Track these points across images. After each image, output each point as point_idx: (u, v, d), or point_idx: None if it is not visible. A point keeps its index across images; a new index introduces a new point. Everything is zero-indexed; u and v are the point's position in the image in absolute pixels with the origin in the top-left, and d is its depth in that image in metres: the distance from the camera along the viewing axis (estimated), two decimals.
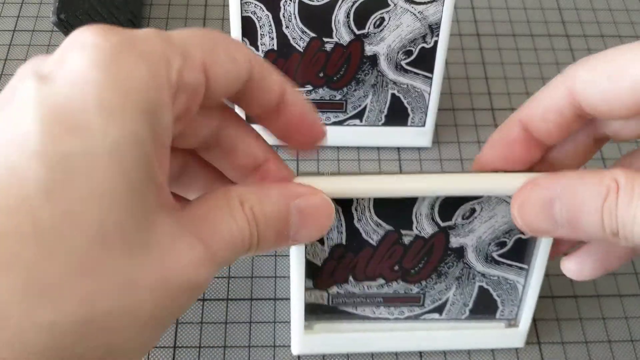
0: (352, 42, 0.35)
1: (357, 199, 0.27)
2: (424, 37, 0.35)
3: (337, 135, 0.39)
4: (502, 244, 0.29)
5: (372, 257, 0.30)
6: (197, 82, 0.19)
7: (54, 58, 0.18)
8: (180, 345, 0.33)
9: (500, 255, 0.30)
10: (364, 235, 0.29)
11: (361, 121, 0.38)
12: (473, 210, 0.28)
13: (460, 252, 0.30)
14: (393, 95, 0.37)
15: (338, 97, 0.37)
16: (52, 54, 0.18)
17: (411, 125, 0.39)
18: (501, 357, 0.33)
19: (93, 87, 0.17)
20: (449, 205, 0.28)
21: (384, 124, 0.39)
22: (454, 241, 0.29)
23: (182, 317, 0.34)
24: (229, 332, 0.34)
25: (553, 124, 0.25)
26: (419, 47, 0.35)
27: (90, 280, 0.16)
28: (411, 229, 0.29)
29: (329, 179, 0.25)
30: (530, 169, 0.27)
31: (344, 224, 0.28)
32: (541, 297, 0.35)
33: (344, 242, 0.29)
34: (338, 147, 0.40)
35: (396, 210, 0.28)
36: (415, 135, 0.39)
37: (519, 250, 0.30)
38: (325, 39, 0.35)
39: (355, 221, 0.28)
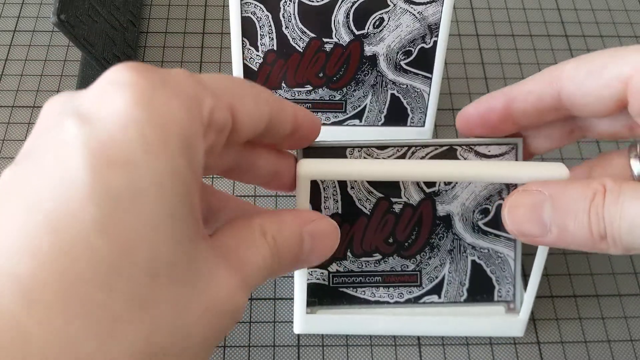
0: (352, 42, 0.35)
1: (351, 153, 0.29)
2: (423, 37, 0.35)
3: (337, 135, 0.39)
4: (485, 211, 0.30)
5: (367, 228, 0.31)
6: (226, 121, 0.20)
7: (91, 97, 0.18)
8: None
9: (485, 224, 0.31)
10: (357, 203, 0.30)
11: (361, 121, 0.39)
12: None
13: (447, 221, 0.31)
14: (392, 95, 0.37)
15: (338, 97, 0.37)
16: (83, 92, 0.19)
17: (411, 125, 0.39)
18: (500, 354, 0.34)
19: (135, 125, 0.17)
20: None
21: (384, 124, 0.39)
22: (441, 209, 0.30)
23: None
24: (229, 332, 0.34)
25: (531, 106, 0.26)
26: (419, 47, 0.35)
27: (149, 313, 0.17)
28: (400, 197, 0.30)
29: (331, 162, 0.27)
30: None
31: (339, 192, 0.30)
32: (541, 296, 0.35)
33: (339, 211, 0.30)
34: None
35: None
36: (414, 135, 0.39)
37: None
38: (325, 39, 0.35)
39: (348, 189, 0.30)
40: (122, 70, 0.18)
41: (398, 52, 0.36)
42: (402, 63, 0.36)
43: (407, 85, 0.37)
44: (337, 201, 0.30)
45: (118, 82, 0.18)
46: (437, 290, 0.32)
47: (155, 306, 0.17)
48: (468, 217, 0.31)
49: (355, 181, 0.29)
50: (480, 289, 0.32)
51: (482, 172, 0.27)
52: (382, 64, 0.36)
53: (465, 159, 0.28)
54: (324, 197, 0.30)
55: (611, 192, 0.22)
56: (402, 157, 0.28)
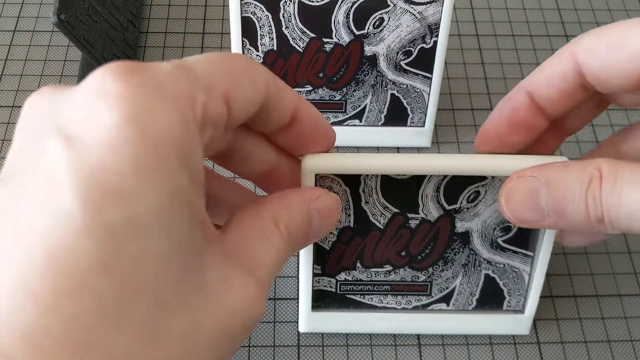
0: (352, 42, 0.35)
1: (364, 181, 0.28)
2: (423, 37, 0.35)
3: (337, 135, 0.39)
4: (506, 229, 0.30)
5: (380, 241, 0.30)
6: (221, 112, 0.19)
7: (76, 110, 0.17)
8: None
9: (505, 241, 0.30)
10: (371, 217, 0.29)
11: (361, 121, 0.39)
12: (477, 193, 0.28)
13: (466, 237, 0.30)
14: (392, 95, 0.37)
15: (338, 97, 0.37)
16: (67, 96, 0.17)
17: (411, 125, 0.39)
18: (500, 354, 0.34)
19: (126, 146, 0.16)
20: (454, 187, 0.28)
21: (384, 124, 0.39)
22: (460, 225, 0.30)
23: None
24: None
25: (556, 90, 0.25)
26: (419, 47, 0.35)
27: (156, 346, 0.16)
28: (417, 212, 0.29)
29: (340, 156, 0.26)
30: (535, 139, 0.27)
31: (352, 206, 0.29)
32: (541, 297, 0.35)
33: (352, 224, 0.29)
34: (338, 147, 0.40)
35: (403, 192, 0.28)
36: (414, 135, 0.39)
37: (523, 236, 0.30)
38: (325, 39, 0.35)
39: (362, 203, 0.29)
40: (108, 76, 0.17)
41: (398, 52, 0.36)
42: (402, 63, 0.36)
43: (407, 85, 0.37)
44: (349, 215, 0.29)
45: (105, 94, 0.16)
46: (446, 299, 0.32)
47: (166, 336, 0.17)
48: (488, 233, 0.30)
49: (371, 196, 0.28)
50: (491, 300, 0.32)
51: (490, 166, 0.27)
52: (382, 64, 0.36)
53: (493, 178, 0.28)
54: None
55: (608, 178, 0.22)
56: (424, 176, 0.28)
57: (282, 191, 0.24)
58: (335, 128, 0.38)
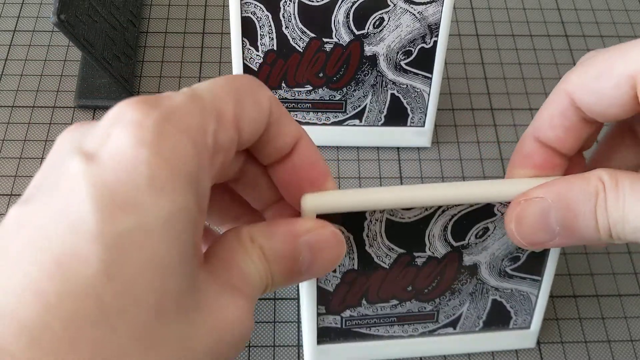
0: (352, 42, 0.35)
1: (368, 226, 0.27)
2: (423, 37, 0.35)
3: (337, 135, 0.39)
4: (515, 259, 0.29)
5: (385, 280, 0.29)
6: (232, 139, 0.20)
7: (97, 135, 0.18)
8: None
9: (514, 270, 0.30)
10: (375, 259, 0.28)
11: (361, 121, 0.39)
12: (486, 229, 0.28)
13: (473, 269, 0.29)
14: (392, 95, 0.37)
15: (338, 97, 0.37)
16: (91, 128, 0.19)
17: (411, 125, 0.39)
18: (500, 354, 0.34)
19: (142, 165, 0.17)
20: (463, 225, 0.27)
21: (384, 124, 0.39)
22: (467, 259, 0.29)
23: None
24: None
25: (561, 129, 0.25)
26: (419, 47, 0.35)
27: (153, 352, 0.17)
28: (424, 251, 0.28)
29: (342, 193, 0.25)
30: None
31: (355, 251, 0.28)
32: None
33: (355, 267, 0.28)
34: (338, 147, 0.40)
35: (408, 233, 0.27)
36: (414, 135, 0.39)
37: (532, 263, 0.29)
38: (325, 39, 0.35)
39: (366, 247, 0.28)
40: (126, 108, 0.18)
41: (398, 52, 0.36)
42: (402, 63, 0.36)
43: (407, 85, 0.37)
44: (353, 259, 0.28)
45: (123, 121, 0.18)
46: (453, 324, 0.32)
47: (162, 344, 0.17)
48: (496, 264, 0.29)
49: (375, 240, 0.27)
50: (497, 320, 0.32)
51: (490, 191, 0.26)
52: (382, 64, 0.36)
53: (502, 214, 0.27)
54: None
55: (610, 190, 0.22)
56: (431, 216, 0.27)
57: (271, 220, 0.24)
58: (335, 128, 0.39)
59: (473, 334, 0.32)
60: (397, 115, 0.38)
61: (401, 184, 0.39)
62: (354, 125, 0.39)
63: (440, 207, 0.26)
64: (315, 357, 0.32)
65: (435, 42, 0.35)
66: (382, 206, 0.26)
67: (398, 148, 0.40)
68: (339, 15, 0.34)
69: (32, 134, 0.40)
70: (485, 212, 0.27)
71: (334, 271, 0.28)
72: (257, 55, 0.36)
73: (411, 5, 0.34)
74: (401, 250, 0.28)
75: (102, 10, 0.40)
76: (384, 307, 0.30)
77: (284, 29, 0.35)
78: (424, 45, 0.35)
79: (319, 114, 0.38)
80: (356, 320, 0.31)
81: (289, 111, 0.37)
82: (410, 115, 0.38)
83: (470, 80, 0.44)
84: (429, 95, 0.37)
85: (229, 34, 0.35)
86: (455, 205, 0.26)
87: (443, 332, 0.32)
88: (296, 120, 0.37)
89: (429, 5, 0.34)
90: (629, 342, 0.34)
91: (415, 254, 0.28)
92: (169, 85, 0.43)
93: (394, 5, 0.34)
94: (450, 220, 0.27)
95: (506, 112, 0.42)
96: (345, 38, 0.35)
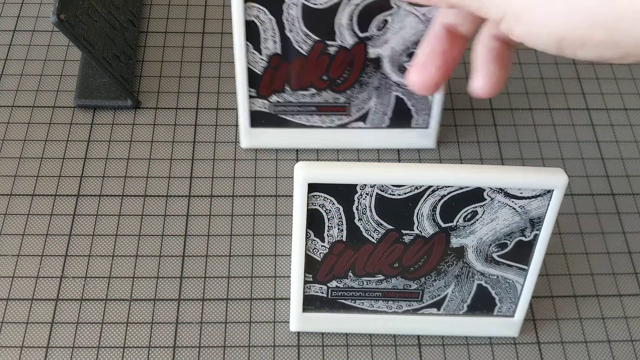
0: (356, 44, 0.35)
1: (358, 200, 0.28)
2: None
3: (341, 138, 0.39)
4: (502, 246, 0.30)
5: (372, 254, 0.30)
6: None
7: None
8: (180, 345, 0.33)
9: (500, 256, 0.30)
10: (364, 233, 0.29)
11: (365, 123, 0.39)
12: (475, 213, 0.28)
13: (460, 252, 0.30)
14: (397, 97, 0.37)
15: (342, 99, 0.37)
16: None
17: (415, 127, 0.39)
18: (500, 354, 0.34)
19: None
20: (452, 207, 0.28)
21: (388, 126, 0.39)
22: (455, 241, 0.30)
23: (182, 317, 0.34)
24: (228, 332, 0.34)
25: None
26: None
27: None
28: (412, 229, 0.29)
29: (333, 164, 0.27)
30: None
31: (344, 222, 0.29)
32: (541, 297, 0.35)
33: (344, 239, 0.29)
34: (338, 150, 0.40)
35: (397, 210, 0.28)
36: (419, 137, 0.39)
37: (519, 252, 0.30)
38: (329, 42, 0.35)
39: (356, 220, 0.29)
40: None
41: (402, 54, 0.36)
42: (405, 65, 0.36)
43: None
44: (342, 230, 0.29)
45: None
46: (437, 305, 0.32)
47: None
48: (483, 249, 0.30)
49: (364, 213, 0.28)
50: (481, 306, 0.32)
51: (476, 177, 0.27)
52: (386, 66, 0.36)
53: (492, 199, 0.28)
54: (328, 226, 0.29)
55: None
56: (421, 195, 0.28)
57: None
58: (340, 131, 0.39)
59: (457, 317, 0.33)
60: (401, 117, 0.38)
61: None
62: (359, 127, 0.39)
63: (430, 186, 0.27)
64: (300, 323, 0.33)
65: None
66: (373, 181, 0.27)
67: (398, 150, 0.40)
68: (342, 18, 0.34)
69: (32, 134, 0.40)
70: (474, 195, 0.28)
71: (323, 241, 0.30)
72: (260, 59, 0.36)
73: (414, 7, 0.34)
74: (389, 227, 0.29)
75: (102, 10, 0.40)
76: (370, 281, 0.31)
77: (287, 32, 0.35)
78: None
79: (323, 117, 0.38)
80: (342, 291, 0.32)
81: (294, 114, 0.37)
82: (415, 117, 0.38)
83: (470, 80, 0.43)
84: (433, 95, 0.37)
85: (229, 33, 0.35)
86: (445, 186, 0.27)
87: (427, 312, 0.33)
88: (301, 124, 0.37)
89: (432, 7, 0.33)
90: (629, 342, 0.34)
91: (404, 232, 0.29)
92: (169, 85, 0.43)
93: (398, 7, 0.34)
94: (439, 200, 0.28)
95: (506, 112, 0.42)
96: (349, 41, 0.35)
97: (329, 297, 0.32)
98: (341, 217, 0.29)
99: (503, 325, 0.33)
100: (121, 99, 0.41)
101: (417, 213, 0.28)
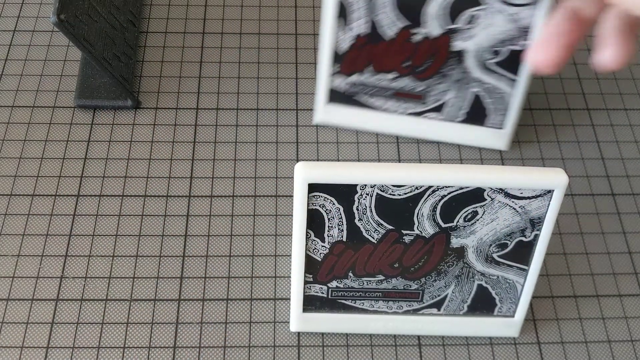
0: (442, 35, 0.36)
1: (358, 200, 0.28)
2: (515, 38, 0.35)
3: (415, 126, 0.40)
4: (503, 246, 0.30)
5: (372, 255, 0.30)
6: None
7: None
8: (180, 346, 0.33)
9: (500, 257, 0.30)
10: (364, 233, 0.29)
11: (440, 115, 0.39)
12: (475, 213, 0.28)
13: (460, 252, 0.30)
14: (475, 93, 0.38)
15: (419, 88, 0.38)
16: None
17: (489, 126, 0.39)
18: (500, 354, 0.34)
19: None
20: (452, 207, 0.28)
21: (463, 121, 0.39)
22: (455, 242, 0.30)
23: (182, 317, 0.34)
24: (229, 332, 0.34)
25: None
26: (509, 48, 0.36)
27: None
28: (412, 229, 0.29)
29: (334, 165, 0.27)
30: None
31: (345, 222, 0.29)
32: (541, 297, 0.35)
33: (344, 239, 0.29)
34: (418, 141, 0.41)
35: (398, 210, 0.28)
36: (492, 137, 0.39)
37: (520, 252, 0.30)
38: (415, 30, 0.36)
39: (356, 220, 0.29)
40: None
41: (487, 51, 0.36)
42: (490, 62, 0.36)
43: (491, 85, 0.37)
44: (342, 230, 0.29)
45: None
46: (437, 305, 0.32)
47: None
48: (483, 249, 0.30)
49: (365, 214, 0.28)
50: (482, 306, 0.32)
51: (477, 178, 0.27)
52: (469, 61, 0.36)
53: (492, 199, 0.28)
54: (329, 226, 0.29)
55: None
56: (421, 195, 0.28)
57: None
58: (414, 119, 0.39)
59: (457, 317, 0.33)
60: (476, 114, 0.38)
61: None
62: (433, 118, 0.39)
63: (430, 187, 0.27)
64: (300, 324, 0.33)
65: (525, 45, 0.35)
66: (373, 181, 0.27)
67: (480, 149, 0.40)
68: (431, 7, 0.35)
69: (32, 134, 0.40)
70: (475, 196, 0.28)
71: (323, 241, 0.30)
72: (347, 37, 0.36)
73: (506, 6, 0.34)
74: (390, 227, 0.29)
75: (102, 10, 0.40)
76: (370, 282, 0.31)
77: (377, 15, 0.35)
78: (514, 47, 0.35)
79: (399, 103, 0.39)
80: (342, 291, 0.32)
81: (370, 96, 0.38)
82: (490, 115, 0.38)
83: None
84: (512, 97, 0.37)
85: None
86: (446, 187, 0.27)
87: (427, 312, 0.33)
88: (375, 108, 0.39)
89: (524, 7, 0.34)
90: (629, 342, 0.34)
91: (404, 232, 0.29)
92: (169, 85, 0.43)
93: (488, 4, 0.34)
94: (439, 201, 0.28)
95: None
96: (436, 31, 0.35)
97: (329, 297, 0.32)
98: (341, 217, 0.29)
99: (503, 326, 0.33)
100: (121, 99, 0.41)
101: (418, 213, 0.28)
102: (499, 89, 0.37)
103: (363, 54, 0.37)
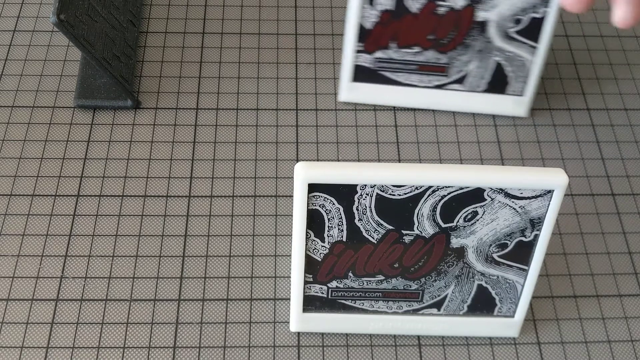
0: (465, 7, 0.36)
1: (358, 200, 0.28)
2: (536, 6, 0.36)
3: (437, 98, 0.40)
4: (503, 246, 0.30)
5: (372, 255, 0.30)
6: None
7: None
8: (180, 346, 0.33)
9: (500, 257, 0.30)
10: (364, 233, 0.29)
11: (462, 86, 0.39)
12: (475, 213, 0.28)
13: (460, 252, 0.30)
14: (496, 62, 0.38)
15: (443, 60, 0.38)
16: None
17: (510, 94, 0.40)
18: (500, 354, 0.34)
19: None
20: (452, 207, 0.28)
21: (485, 91, 0.40)
22: (455, 242, 0.30)
23: (182, 317, 0.34)
24: (229, 332, 0.34)
25: None
26: (530, 16, 0.36)
27: None
28: (412, 229, 0.29)
29: (334, 165, 0.27)
30: None
31: (344, 222, 0.29)
32: (541, 297, 0.35)
33: (344, 239, 0.29)
34: (434, 111, 0.41)
35: (398, 210, 0.28)
36: (513, 104, 0.40)
37: (520, 252, 0.30)
38: (440, 2, 0.36)
39: (356, 220, 0.29)
40: None
41: (509, 20, 0.37)
42: (511, 31, 0.37)
43: (512, 53, 0.38)
44: (342, 230, 0.29)
45: None
46: (437, 305, 0.32)
47: None
48: (483, 249, 0.30)
49: (365, 214, 0.28)
50: (482, 306, 0.33)
51: (477, 178, 0.27)
52: (492, 31, 0.37)
53: (492, 199, 0.28)
54: (328, 226, 0.29)
55: None
56: (421, 195, 0.28)
57: None
58: (436, 91, 0.40)
59: (457, 317, 0.33)
60: (498, 82, 0.39)
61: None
62: (455, 89, 0.40)
63: (430, 187, 0.27)
64: (300, 324, 0.33)
65: (546, 12, 0.36)
66: (373, 181, 0.27)
67: (494, 116, 0.41)
68: None
69: (32, 134, 0.40)
70: (475, 196, 0.28)
71: (323, 241, 0.30)
72: (372, 13, 0.37)
73: None
74: (390, 227, 0.29)
75: (102, 10, 0.40)
76: (370, 282, 0.31)
77: None
78: (535, 14, 0.36)
79: (423, 76, 0.39)
80: (342, 291, 0.32)
81: (394, 72, 0.39)
82: (512, 83, 0.39)
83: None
84: (532, 64, 0.38)
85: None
86: (445, 187, 0.27)
87: (427, 312, 0.33)
88: (398, 82, 0.39)
89: None
90: (629, 342, 0.34)
91: (404, 232, 0.29)
92: (169, 85, 0.43)
93: None
94: (439, 201, 0.28)
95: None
96: (459, 2, 0.36)
97: (329, 297, 0.32)
98: (341, 218, 0.29)
99: (503, 326, 0.33)
100: (121, 99, 0.41)
101: (417, 213, 0.28)
102: (520, 57, 0.38)
103: (388, 29, 0.37)
